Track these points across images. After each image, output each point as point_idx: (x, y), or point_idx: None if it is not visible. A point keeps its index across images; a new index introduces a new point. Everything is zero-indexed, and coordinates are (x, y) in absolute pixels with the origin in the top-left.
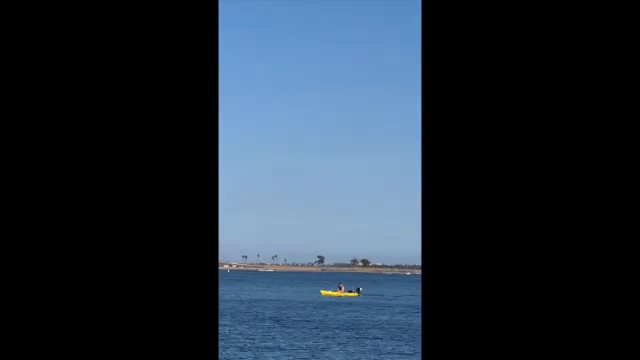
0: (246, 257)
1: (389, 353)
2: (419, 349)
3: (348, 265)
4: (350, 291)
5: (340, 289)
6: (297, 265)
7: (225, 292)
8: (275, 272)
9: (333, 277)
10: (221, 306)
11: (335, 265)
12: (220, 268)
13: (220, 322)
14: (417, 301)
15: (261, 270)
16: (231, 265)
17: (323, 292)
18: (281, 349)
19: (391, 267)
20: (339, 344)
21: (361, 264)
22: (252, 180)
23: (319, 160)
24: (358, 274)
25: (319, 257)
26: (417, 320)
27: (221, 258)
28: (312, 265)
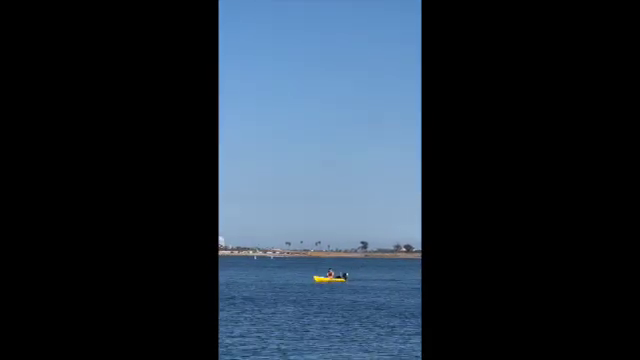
0: (289, 244)
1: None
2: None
3: (391, 251)
4: (338, 276)
5: (330, 275)
6: (340, 251)
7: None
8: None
9: (375, 263)
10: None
11: (379, 251)
12: (263, 255)
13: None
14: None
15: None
16: (275, 252)
17: (316, 278)
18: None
19: None
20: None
21: (404, 250)
22: (294, 168)
23: (360, 148)
24: (398, 260)
25: (362, 243)
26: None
27: (264, 245)
28: (355, 251)
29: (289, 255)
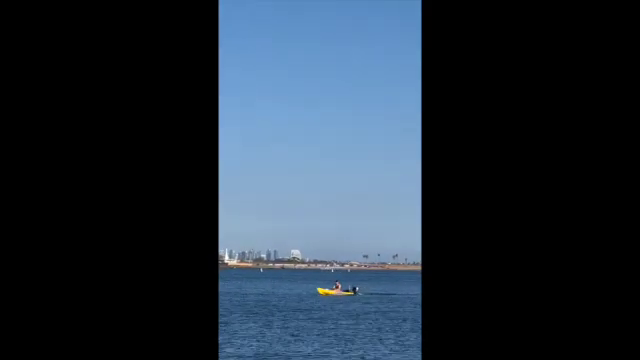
0: (367, 257)
1: None
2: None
3: None
4: (346, 290)
5: (337, 287)
6: (417, 264)
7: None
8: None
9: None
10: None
11: None
12: (341, 268)
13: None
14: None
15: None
16: (352, 265)
17: (320, 290)
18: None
19: None
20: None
21: None
22: (371, 180)
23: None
24: None
25: None
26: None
27: (341, 258)
28: None
29: (366, 268)
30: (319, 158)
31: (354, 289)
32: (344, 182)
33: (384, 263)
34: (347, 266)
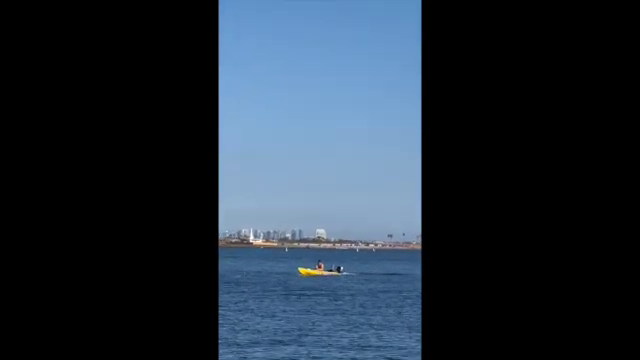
0: (391, 236)
1: None
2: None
3: None
4: (330, 270)
5: (319, 267)
6: None
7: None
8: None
9: None
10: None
11: None
12: (365, 247)
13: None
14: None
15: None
16: (376, 244)
17: (302, 270)
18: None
19: None
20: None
21: None
22: (394, 159)
23: None
24: None
25: None
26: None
27: (366, 237)
28: None
29: (391, 248)
30: (340, 138)
31: (338, 269)
32: (368, 162)
33: (409, 242)
34: (372, 245)
